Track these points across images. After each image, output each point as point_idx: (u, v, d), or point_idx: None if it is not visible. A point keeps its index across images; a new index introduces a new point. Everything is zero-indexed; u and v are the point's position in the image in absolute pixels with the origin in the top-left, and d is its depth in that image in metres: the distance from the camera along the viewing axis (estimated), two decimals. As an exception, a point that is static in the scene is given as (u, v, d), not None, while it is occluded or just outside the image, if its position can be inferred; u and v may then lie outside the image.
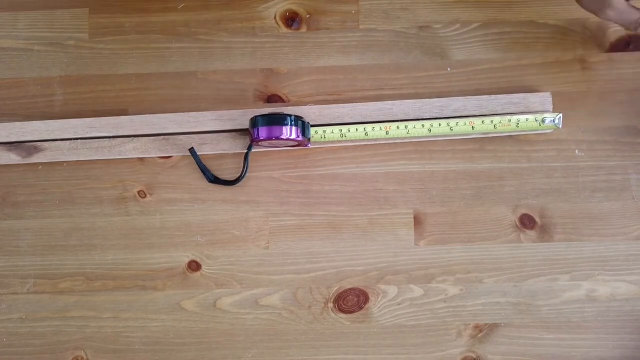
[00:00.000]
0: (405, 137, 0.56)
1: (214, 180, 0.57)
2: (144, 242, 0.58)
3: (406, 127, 0.54)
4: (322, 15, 0.60)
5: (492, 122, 0.55)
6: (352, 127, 0.55)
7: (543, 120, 0.54)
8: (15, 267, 0.58)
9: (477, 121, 0.55)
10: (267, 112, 0.55)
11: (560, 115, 0.54)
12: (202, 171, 0.57)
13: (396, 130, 0.55)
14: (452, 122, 0.55)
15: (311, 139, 0.56)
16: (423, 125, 0.55)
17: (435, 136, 0.56)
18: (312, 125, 0.56)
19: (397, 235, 0.57)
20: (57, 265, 0.58)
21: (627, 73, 0.58)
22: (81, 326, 0.57)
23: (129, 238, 0.58)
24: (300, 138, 0.54)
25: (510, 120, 0.54)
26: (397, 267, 0.56)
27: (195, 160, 0.57)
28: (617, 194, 0.57)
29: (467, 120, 0.55)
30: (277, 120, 0.53)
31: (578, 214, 0.57)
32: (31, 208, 0.59)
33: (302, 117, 0.55)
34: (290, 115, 0.53)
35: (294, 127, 0.53)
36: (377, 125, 0.55)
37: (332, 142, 0.57)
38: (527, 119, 0.54)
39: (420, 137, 0.56)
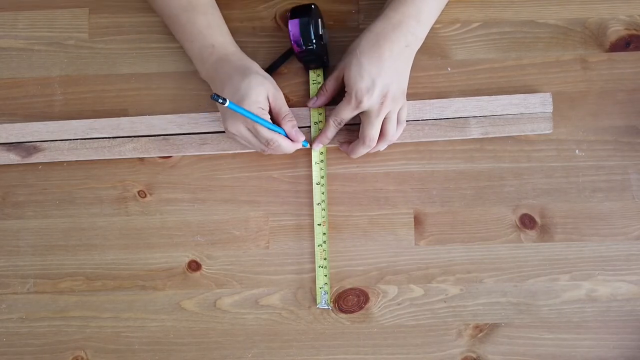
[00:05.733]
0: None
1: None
2: (144, 242, 0.58)
3: None
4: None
5: None
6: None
7: None
8: (15, 267, 0.58)
9: None
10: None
11: None
12: (277, 64, 0.58)
13: None
14: None
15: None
16: None
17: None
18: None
19: (397, 235, 0.57)
20: (57, 265, 0.58)
21: (627, 73, 0.58)
22: (81, 326, 0.57)
23: (129, 238, 0.58)
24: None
25: None
26: (397, 267, 0.56)
27: (280, 62, 0.58)
28: (618, 194, 0.56)
29: None
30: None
31: (578, 214, 0.56)
32: (31, 208, 0.59)
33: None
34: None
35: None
36: None
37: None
38: None
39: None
